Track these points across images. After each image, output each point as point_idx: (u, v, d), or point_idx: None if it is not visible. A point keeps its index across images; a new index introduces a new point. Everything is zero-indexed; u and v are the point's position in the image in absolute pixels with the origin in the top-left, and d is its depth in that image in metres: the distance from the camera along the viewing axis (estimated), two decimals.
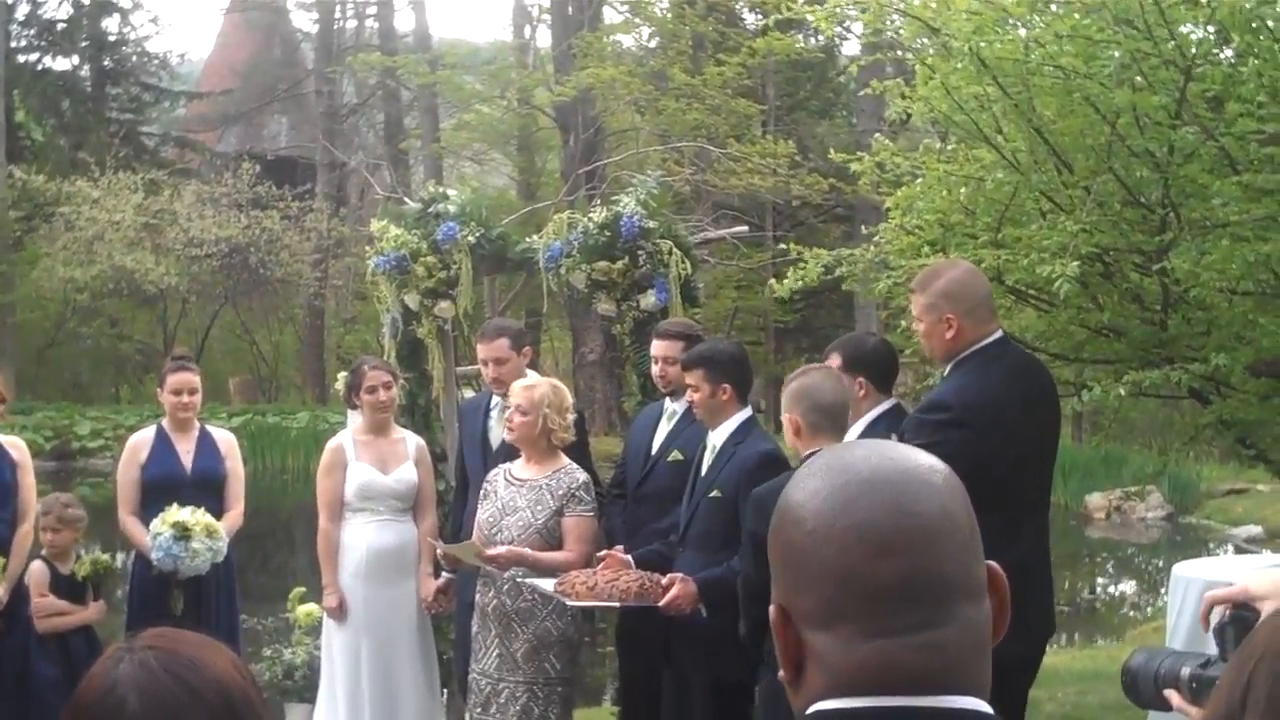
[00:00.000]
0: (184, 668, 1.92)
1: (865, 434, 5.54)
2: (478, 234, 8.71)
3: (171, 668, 1.91)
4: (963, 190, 6.76)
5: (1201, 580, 6.78)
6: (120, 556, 7.82)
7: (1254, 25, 5.52)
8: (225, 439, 7.97)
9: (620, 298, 8.47)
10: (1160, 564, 18.06)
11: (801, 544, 1.62)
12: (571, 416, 6.65)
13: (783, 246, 8.55)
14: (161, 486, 7.50)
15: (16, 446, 7.57)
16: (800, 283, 7.50)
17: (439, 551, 7.03)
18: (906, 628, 1.57)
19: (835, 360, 5.94)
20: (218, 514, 7.46)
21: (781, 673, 1.66)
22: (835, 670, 1.59)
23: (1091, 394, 6.09)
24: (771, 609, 1.67)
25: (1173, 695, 2.82)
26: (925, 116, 7.23)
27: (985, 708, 1.60)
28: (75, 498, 7.89)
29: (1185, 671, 2.82)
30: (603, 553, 6.29)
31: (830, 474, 1.65)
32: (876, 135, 8.08)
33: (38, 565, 7.37)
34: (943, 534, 1.60)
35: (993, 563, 1.66)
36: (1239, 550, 17.70)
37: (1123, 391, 5.96)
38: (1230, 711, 2.25)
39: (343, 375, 8.01)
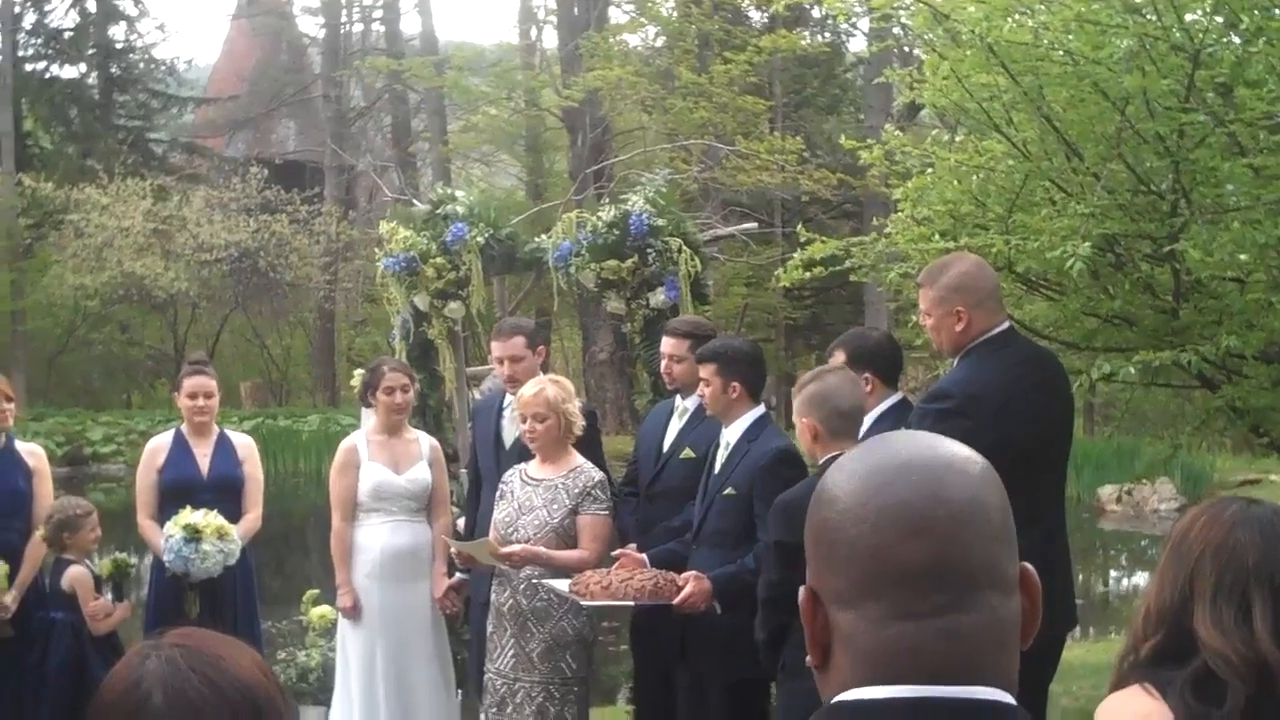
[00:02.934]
0: (209, 665, 1.93)
1: (872, 429, 5.52)
2: (487, 234, 8.72)
3: (197, 665, 1.92)
4: (973, 180, 6.75)
5: None
6: (135, 559, 7.80)
7: (1263, 7, 5.50)
8: (244, 443, 7.97)
9: (630, 296, 8.48)
10: None
11: (834, 522, 1.65)
12: (577, 404, 6.66)
13: (793, 232, 8.53)
14: (179, 490, 7.50)
15: (34, 454, 7.57)
16: (807, 272, 7.47)
17: (453, 550, 7.04)
18: (931, 610, 1.58)
19: (841, 356, 5.93)
20: (235, 518, 7.45)
21: (809, 658, 1.68)
22: (862, 652, 1.61)
23: (1101, 370, 6.06)
24: (802, 591, 1.69)
25: None
26: (935, 105, 7.22)
27: (1008, 699, 1.61)
28: (87, 504, 7.84)
29: None
30: (617, 552, 6.29)
31: (868, 456, 1.69)
32: (886, 126, 8.07)
33: (82, 571, 7.31)
34: (972, 521, 1.62)
35: (1028, 564, 1.68)
36: None
37: (1133, 370, 5.94)
38: (1172, 604, 2.64)
39: (359, 372, 8.00)
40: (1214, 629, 2.57)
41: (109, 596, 7.48)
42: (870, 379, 5.78)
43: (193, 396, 7.69)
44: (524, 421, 6.56)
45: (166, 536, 7.22)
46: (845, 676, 1.62)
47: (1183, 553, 2.70)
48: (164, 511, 7.47)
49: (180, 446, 7.70)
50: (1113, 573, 19.07)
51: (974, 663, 1.59)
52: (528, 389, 6.62)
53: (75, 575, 7.29)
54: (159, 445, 7.80)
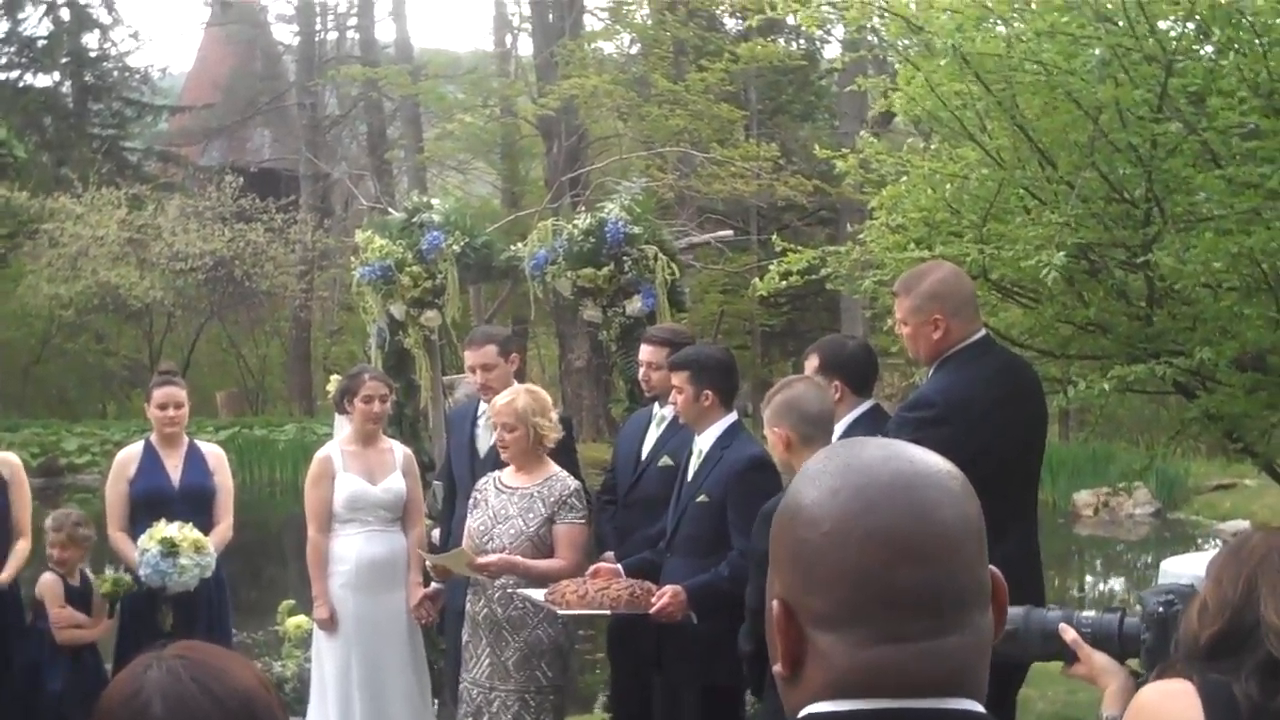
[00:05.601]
0: (209, 676, 1.94)
1: (844, 436, 5.53)
2: (462, 243, 8.72)
3: (197, 675, 1.94)
4: (947, 188, 6.76)
5: (1191, 575, 6.77)
6: (109, 571, 7.77)
7: (1234, 20, 5.53)
8: (213, 453, 7.95)
9: (606, 304, 8.49)
10: (1149, 560, 18.07)
11: (818, 544, 1.60)
12: (555, 415, 6.65)
13: (769, 240, 8.53)
14: (150, 502, 7.47)
15: (8, 464, 7.48)
16: (784, 281, 7.49)
17: (428, 562, 7.02)
18: (917, 634, 1.56)
19: (814, 362, 5.95)
20: (207, 529, 7.43)
21: (778, 667, 1.64)
22: (840, 671, 1.58)
23: (1077, 390, 6.09)
24: (774, 604, 1.64)
25: (1067, 630, 3.17)
26: (909, 114, 7.24)
27: (979, 708, 1.60)
28: (86, 516, 7.82)
29: (1085, 615, 3.21)
30: (593, 567, 6.28)
31: (848, 474, 1.63)
32: (861, 134, 8.08)
33: (51, 578, 7.33)
34: (961, 543, 1.59)
35: (994, 568, 1.65)
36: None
37: (1107, 386, 5.97)
38: (1233, 598, 2.72)
39: (335, 378, 7.98)
40: None
41: (104, 612, 7.47)
42: (839, 387, 5.79)
43: (163, 407, 7.68)
44: (496, 430, 6.57)
45: (142, 550, 7.19)
46: (818, 691, 1.60)
47: (1243, 556, 2.79)
48: (135, 523, 7.45)
49: (150, 457, 7.68)
50: (1088, 578, 19.11)
51: (954, 679, 1.58)
52: (501, 397, 6.63)
53: (44, 583, 7.33)
54: (129, 456, 7.76)
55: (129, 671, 1.97)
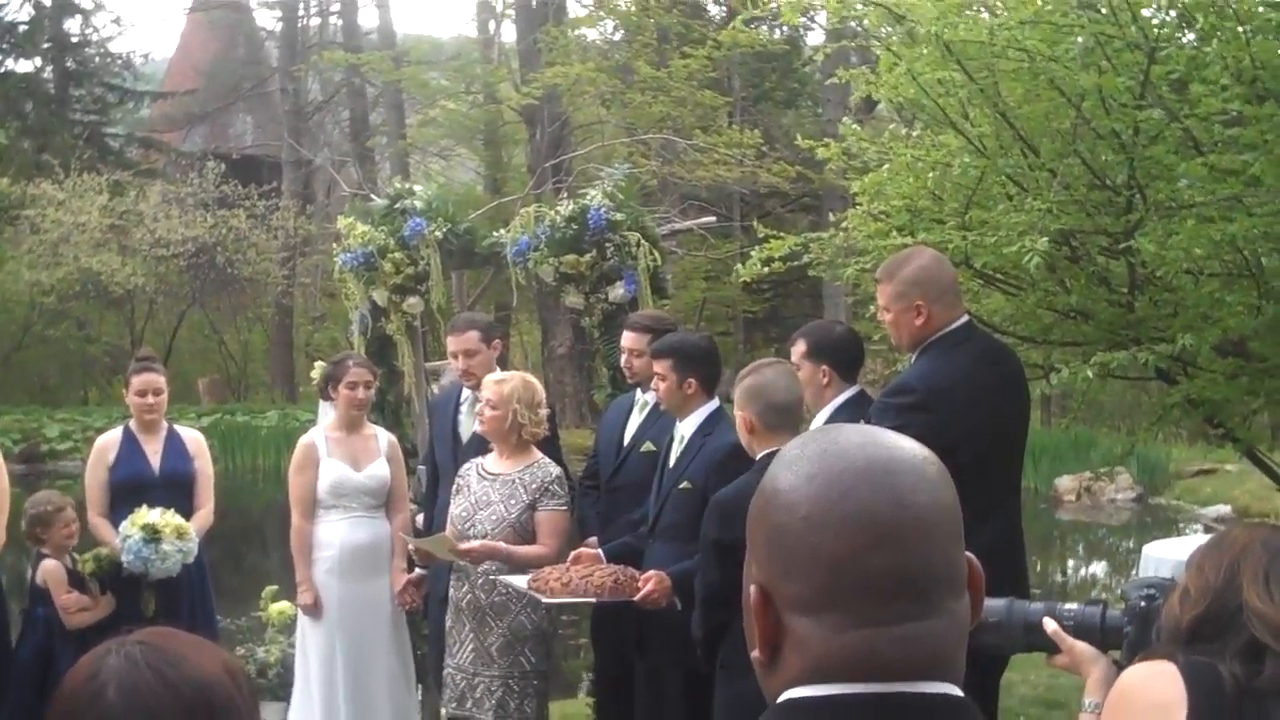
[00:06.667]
0: (167, 664, 1.93)
1: (830, 421, 5.55)
2: (445, 229, 8.72)
3: (154, 663, 1.92)
4: (930, 175, 6.76)
5: (1172, 560, 6.79)
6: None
7: (1217, 7, 5.53)
8: (193, 438, 7.94)
9: (588, 290, 8.49)
10: (1131, 545, 18.14)
11: (795, 529, 1.61)
12: (544, 412, 6.63)
13: (751, 226, 8.53)
14: (130, 487, 7.46)
15: None
16: (766, 268, 7.49)
17: (410, 546, 7.03)
18: (894, 618, 1.57)
19: (801, 347, 5.94)
20: (187, 514, 7.43)
21: (755, 653, 1.65)
22: (816, 655, 1.59)
23: (1060, 376, 6.10)
24: (751, 589, 1.65)
25: (1049, 624, 3.18)
26: (892, 100, 7.24)
27: (958, 692, 1.61)
28: (54, 495, 7.78)
29: (1067, 608, 3.22)
30: (575, 552, 6.28)
31: (825, 459, 1.64)
32: (844, 119, 8.07)
33: (53, 564, 7.25)
34: (937, 527, 1.60)
35: (971, 555, 1.67)
36: (1208, 530, 17.78)
37: (1090, 373, 5.97)
38: (1214, 584, 2.77)
39: (320, 365, 7.97)
40: (1265, 599, 2.69)
41: (96, 590, 7.43)
42: (827, 371, 5.79)
43: (141, 394, 7.67)
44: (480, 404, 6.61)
45: (124, 537, 7.18)
46: (795, 676, 1.61)
47: (1225, 546, 2.83)
48: (115, 509, 7.44)
49: (130, 443, 7.67)
50: (1070, 562, 19.17)
51: (930, 663, 1.59)
52: (497, 376, 6.67)
53: (47, 569, 7.27)
54: (108, 443, 7.76)
55: (90, 656, 1.97)
